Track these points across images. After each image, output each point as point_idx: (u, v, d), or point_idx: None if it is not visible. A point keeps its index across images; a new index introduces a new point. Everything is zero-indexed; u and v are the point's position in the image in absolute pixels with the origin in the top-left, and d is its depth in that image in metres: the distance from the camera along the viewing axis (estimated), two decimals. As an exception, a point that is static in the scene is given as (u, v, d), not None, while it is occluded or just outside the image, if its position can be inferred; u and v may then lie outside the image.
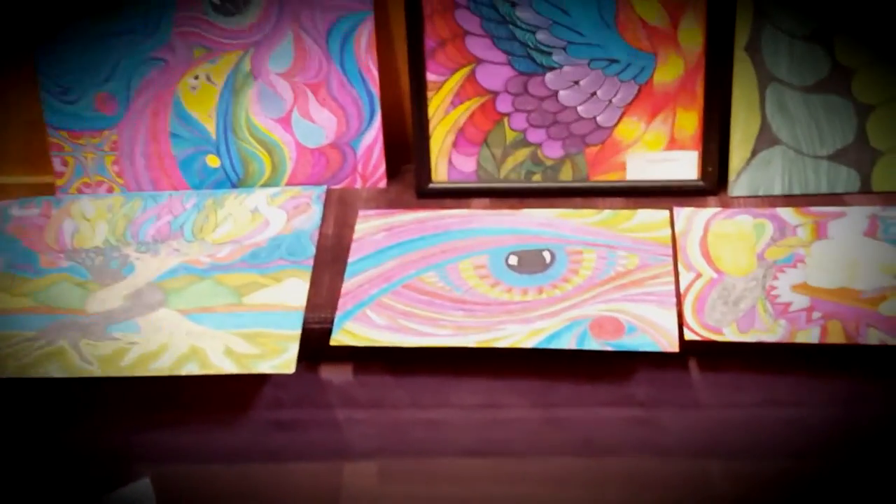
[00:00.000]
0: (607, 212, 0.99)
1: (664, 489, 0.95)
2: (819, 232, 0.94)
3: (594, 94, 0.98)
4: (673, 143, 0.99)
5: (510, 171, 1.01)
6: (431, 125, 1.00)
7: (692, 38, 0.95)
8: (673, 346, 0.85)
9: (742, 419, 0.92)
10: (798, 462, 0.93)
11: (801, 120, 0.96)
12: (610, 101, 0.98)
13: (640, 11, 0.95)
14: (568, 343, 0.86)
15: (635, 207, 0.99)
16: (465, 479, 0.95)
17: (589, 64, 0.97)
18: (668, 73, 0.97)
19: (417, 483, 0.95)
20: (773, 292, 0.89)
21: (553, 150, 1.00)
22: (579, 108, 0.99)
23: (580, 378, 0.91)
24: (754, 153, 0.98)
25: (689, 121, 0.98)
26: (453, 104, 0.99)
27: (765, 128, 0.96)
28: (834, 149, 0.97)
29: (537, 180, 1.02)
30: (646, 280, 0.91)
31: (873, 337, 0.84)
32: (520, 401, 0.94)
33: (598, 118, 0.99)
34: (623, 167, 1.00)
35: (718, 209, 0.98)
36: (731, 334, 0.85)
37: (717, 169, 0.99)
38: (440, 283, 0.92)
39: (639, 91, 0.98)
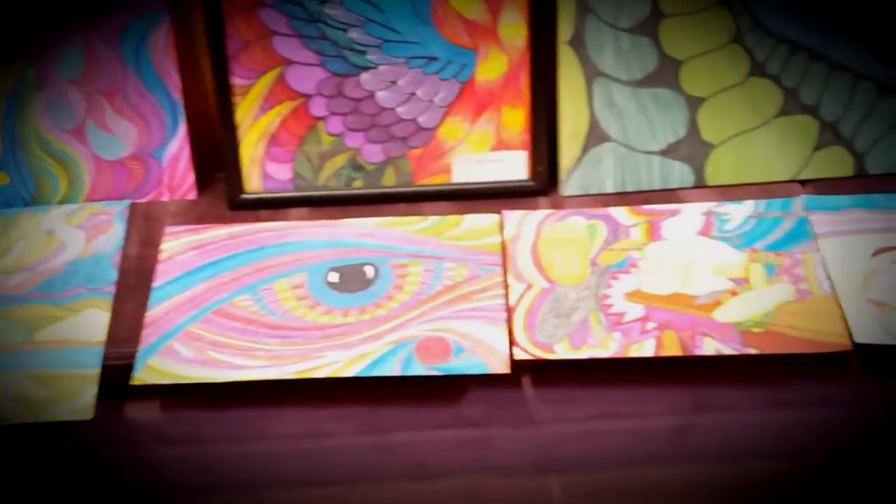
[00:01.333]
0: (433, 218, 0.93)
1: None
2: (653, 232, 0.90)
3: (414, 94, 0.92)
4: (500, 143, 0.93)
5: (329, 177, 0.94)
6: (241, 132, 0.92)
7: (514, 33, 0.90)
8: (503, 366, 0.80)
9: (580, 433, 0.88)
10: (638, 471, 0.89)
11: (631, 115, 0.91)
12: (431, 101, 0.92)
13: (457, 6, 0.89)
14: (392, 369, 0.80)
15: (464, 212, 0.93)
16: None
17: (406, 62, 0.91)
18: (490, 69, 0.91)
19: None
20: (607, 301, 0.84)
21: (373, 155, 0.94)
22: (399, 110, 0.92)
23: (409, 401, 0.86)
24: (584, 151, 0.93)
25: (516, 119, 0.92)
26: (263, 109, 0.92)
27: (594, 124, 0.92)
28: (666, 143, 0.93)
29: (358, 187, 0.95)
30: (474, 294, 0.85)
31: (709, 347, 0.80)
32: (348, 427, 0.88)
33: (419, 119, 0.93)
34: (449, 170, 0.94)
35: (550, 211, 0.93)
36: (562, 351, 0.81)
37: (548, 168, 0.94)
38: (254, 307, 0.85)
39: (461, 89, 0.92)
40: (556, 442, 0.88)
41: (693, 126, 0.92)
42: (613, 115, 0.91)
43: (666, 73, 0.90)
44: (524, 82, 0.91)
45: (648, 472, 0.88)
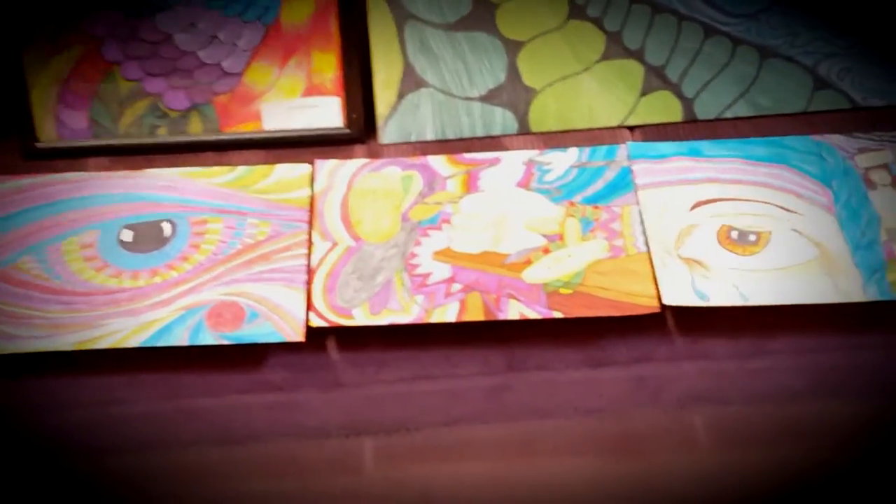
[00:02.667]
0: (242, 169, 0.87)
1: (314, 472, 0.87)
2: (470, 184, 0.86)
3: (215, 37, 0.85)
4: (312, 89, 0.88)
5: (130, 126, 0.88)
6: (30, 78, 0.85)
7: (319, -28, 0.84)
8: (298, 334, 0.76)
9: (390, 394, 0.84)
10: (453, 430, 0.87)
11: (447, 60, 0.86)
12: (234, 45, 0.86)
13: (255, -57, 0.82)
14: (180, 338, 0.75)
15: (278, 161, 0.88)
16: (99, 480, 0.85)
17: (205, 3, 0.84)
18: (296, 12, 0.85)
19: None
20: (414, 261, 0.80)
21: (177, 101, 0.88)
22: (200, 54, 0.86)
23: (208, 366, 0.81)
24: (400, 97, 0.88)
25: (327, 64, 0.87)
26: (50, 53, 0.85)
27: (408, 70, 0.87)
28: (486, 89, 0.88)
29: (162, 135, 0.89)
30: (275, 254, 0.81)
31: (513, 310, 0.77)
32: (148, 394, 0.83)
33: (223, 64, 0.87)
34: (259, 117, 0.89)
35: (366, 160, 0.88)
36: (361, 317, 0.77)
37: (363, 115, 0.89)
38: (37, 270, 0.80)
39: (266, 32, 0.86)
40: (366, 404, 0.85)
41: (513, 71, 0.87)
42: (428, 59, 0.86)
43: (481, 16, 0.85)
44: (333, 26, 0.85)
45: (464, 430, 0.85)
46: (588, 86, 0.88)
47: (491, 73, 0.87)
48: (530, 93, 0.88)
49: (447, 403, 0.85)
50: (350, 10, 0.84)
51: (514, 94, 0.88)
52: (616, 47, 0.86)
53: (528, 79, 0.87)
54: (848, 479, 0.81)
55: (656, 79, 0.88)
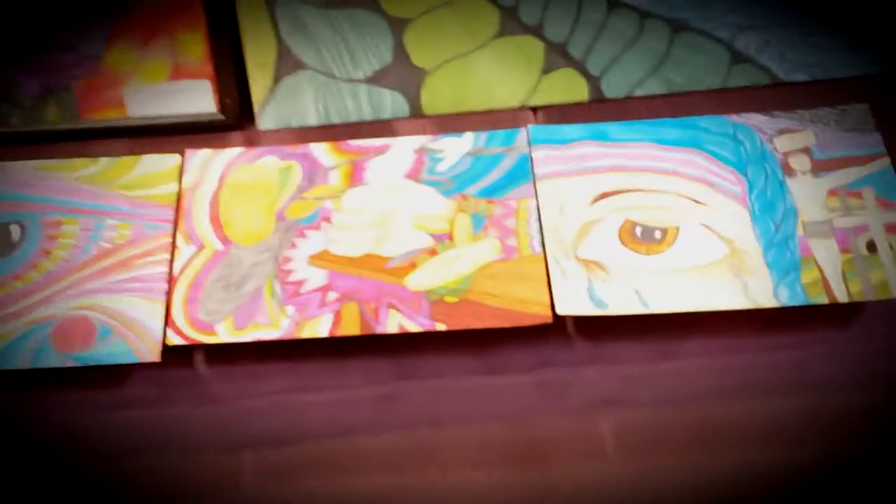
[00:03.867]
0: (105, 161, 0.79)
1: (190, 490, 0.81)
2: (354, 176, 0.78)
3: (69, 16, 0.77)
4: (179, 72, 0.80)
5: (-22, 115, 0.80)
6: None
7: (177, -55, 0.75)
8: (154, 354, 0.68)
9: (269, 407, 0.78)
10: (340, 441, 0.80)
11: (326, 40, 0.78)
12: (90, 24, 0.77)
13: (100, -86, 0.73)
14: (21, 360, 0.68)
15: (147, 151, 0.80)
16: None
17: (52, -20, 0.76)
18: (154, -12, 0.76)
19: None
20: (287, 266, 0.73)
21: (29, 87, 0.79)
22: (53, 35, 0.77)
23: (67, 383, 0.74)
24: (277, 80, 0.80)
25: (194, 44, 0.79)
26: None
27: (283, 51, 0.78)
28: (372, 70, 0.80)
29: (16, 124, 0.81)
30: (135, 260, 0.73)
31: (392, 323, 0.70)
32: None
33: (79, 46, 0.78)
34: (122, 103, 0.80)
35: (242, 150, 0.80)
36: (224, 332, 0.70)
37: (239, 100, 0.81)
38: None
39: (123, 10, 0.77)
40: (242, 418, 0.78)
41: (401, 50, 0.79)
42: (305, 39, 0.78)
43: (360, -8, 0.77)
44: (198, 4, 0.77)
45: (351, 442, 0.79)
46: (484, 65, 0.80)
47: (376, 54, 0.79)
48: (421, 73, 0.80)
49: (331, 414, 0.79)
50: (215, -13, 0.76)
51: (403, 76, 0.80)
52: (512, 23, 0.78)
53: (418, 59, 0.79)
54: (763, 482, 0.76)
55: (558, 56, 0.80)
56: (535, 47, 0.80)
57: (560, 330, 0.75)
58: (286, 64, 0.79)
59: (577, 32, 0.79)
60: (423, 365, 0.76)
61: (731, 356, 0.77)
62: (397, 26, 0.78)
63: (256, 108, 0.81)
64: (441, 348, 0.75)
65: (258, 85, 0.80)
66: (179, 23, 0.78)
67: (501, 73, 0.81)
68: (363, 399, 0.78)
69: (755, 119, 0.80)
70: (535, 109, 0.83)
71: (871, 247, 0.72)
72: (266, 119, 0.81)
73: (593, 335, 0.75)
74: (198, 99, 0.80)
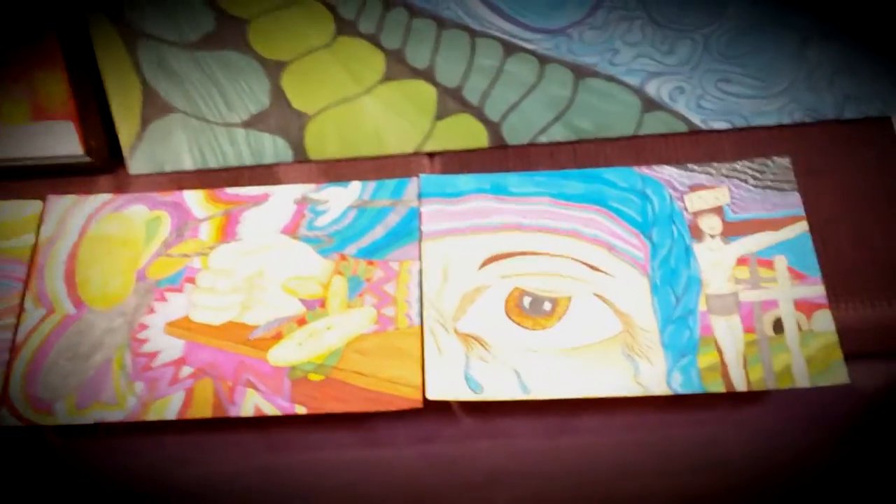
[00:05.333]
0: (-40, 208, 0.73)
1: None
2: (227, 229, 0.72)
3: (-88, 53, 0.70)
4: (40, 113, 0.73)
5: None
6: None
7: (27, -19, 0.68)
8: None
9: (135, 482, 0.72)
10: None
11: (196, 83, 0.72)
12: (-62, 63, 0.71)
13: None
14: None
15: (8, 197, 0.74)
16: None
17: None
18: (4, 25, 0.70)
19: None
20: (142, 335, 0.67)
21: None
22: None
23: None
24: (145, 123, 0.73)
25: (54, 85, 0.72)
26: None
27: (149, 93, 0.72)
28: (248, 114, 0.74)
29: None
30: (-23, 324, 0.67)
31: (248, 405, 0.64)
32: None
33: (-73, 84, 0.72)
34: (-21, 144, 0.74)
35: (109, 196, 0.74)
36: (63, 413, 0.64)
37: (107, 142, 0.74)
38: None
39: (-27, 49, 0.71)
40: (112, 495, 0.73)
41: (279, 94, 0.73)
42: (172, 82, 0.72)
43: (229, 34, 0.70)
44: (53, 42, 0.70)
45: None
46: (371, 110, 0.73)
47: (251, 97, 0.72)
48: (303, 117, 0.74)
49: (198, 492, 0.73)
50: (67, 29, 0.69)
51: (283, 120, 0.73)
52: (399, 67, 0.72)
53: (298, 102, 0.73)
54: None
55: (453, 101, 0.74)
56: (427, 92, 0.73)
57: (444, 403, 0.69)
58: (153, 107, 0.72)
59: (472, 77, 0.72)
60: (294, 439, 0.71)
61: (631, 433, 0.72)
62: (273, 69, 0.72)
63: (125, 151, 0.75)
64: (314, 420, 0.69)
65: (125, 128, 0.73)
66: (36, 61, 0.71)
67: (391, 119, 0.74)
68: (231, 474, 0.73)
69: (667, 172, 0.73)
70: (432, 155, 0.77)
71: (778, 326, 0.66)
72: (137, 163, 0.75)
73: (481, 408, 0.69)
74: (62, 140, 0.74)
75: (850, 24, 0.71)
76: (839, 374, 0.64)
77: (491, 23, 0.70)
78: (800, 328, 0.66)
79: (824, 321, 0.66)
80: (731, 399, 0.68)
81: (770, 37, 0.71)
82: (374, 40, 0.71)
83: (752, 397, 0.68)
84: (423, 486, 0.75)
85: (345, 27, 0.70)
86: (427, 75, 0.73)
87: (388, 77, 0.72)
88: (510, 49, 0.72)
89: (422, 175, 0.74)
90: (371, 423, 0.70)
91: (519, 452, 0.73)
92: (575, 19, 0.70)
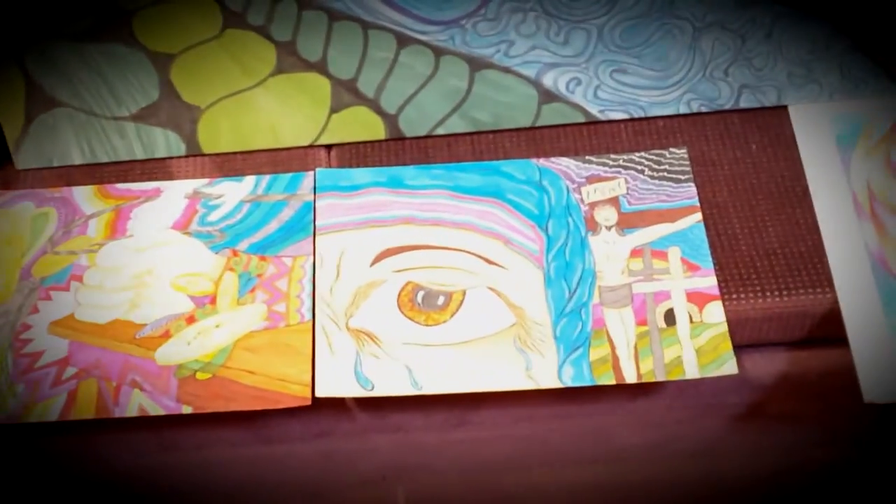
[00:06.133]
0: None
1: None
2: (117, 225, 0.71)
3: None
4: (-82, 106, 0.71)
5: None
6: None
7: None
8: None
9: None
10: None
11: (82, 76, 0.70)
12: None
13: None
14: None
15: None
16: None
17: None
18: None
19: None
20: (26, 335, 0.65)
21: None
22: None
23: None
24: (30, 117, 0.72)
25: (-67, 77, 0.70)
26: None
27: (33, 87, 0.70)
28: (137, 108, 0.72)
29: None
30: None
31: (133, 406, 0.62)
32: None
33: None
34: None
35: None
36: (-59, 415, 0.62)
37: (-7, 136, 0.73)
38: None
39: None
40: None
41: (168, 87, 0.71)
42: (57, 76, 0.70)
43: (113, 26, 0.69)
44: (-70, 33, 0.68)
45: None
46: (265, 103, 0.72)
47: (140, 90, 0.71)
48: (194, 111, 0.72)
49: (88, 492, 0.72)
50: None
51: (174, 113, 0.72)
52: (291, 59, 0.71)
53: (189, 96, 0.71)
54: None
55: (348, 93, 0.73)
56: (321, 84, 0.72)
57: (339, 398, 0.68)
58: (38, 101, 0.71)
59: (366, 69, 0.71)
60: (185, 436, 0.69)
61: (525, 425, 0.72)
62: (161, 62, 0.70)
63: (11, 147, 0.73)
64: (206, 418, 0.68)
65: (9, 123, 0.72)
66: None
67: (286, 111, 0.73)
68: (121, 473, 0.71)
69: (565, 163, 0.73)
70: (329, 148, 0.76)
71: (670, 318, 0.66)
72: (23, 158, 0.73)
73: (377, 403, 0.68)
74: (-57, 135, 0.72)
75: (743, 15, 0.71)
76: (728, 366, 0.64)
77: (383, 14, 0.70)
78: (691, 320, 0.66)
79: (716, 313, 0.66)
80: (626, 391, 0.68)
81: (664, 28, 0.71)
82: (263, 32, 0.70)
83: (646, 389, 0.68)
84: (320, 482, 0.74)
85: (233, 19, 0.69)
86: (320, 68, 0.72)
87: (280, 69, 0.71)
88: (404, 41, 0.71)
89: (317, 169, 0.73)
90: (264, 420, 0.69)
91: (415, 447, 0.72)
92: (467, 11, 0.70)
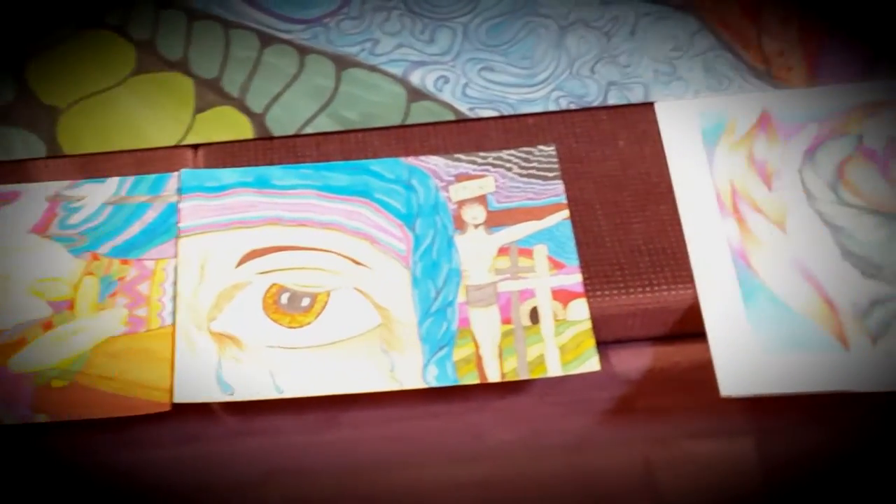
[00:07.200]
0: None
1: None
2: (-25, 230, 0.68)
3: None
4: None
5: None
6: None
7: None
8: None
9: None
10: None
11: (-68, 76, 0.68)
12: None
13: None
14: None
15: None
16: None
17: None
18: None
19: None
20: None
21: None
22: None
23: None
24: None
25: None
26: None
27: None
28: (-8, 108, 0.70)
29: None
30: None
31: (-7, 414, 0.61)
32: None
33: None
34: None
35: None
36: None
37: None
38: None
39: None
40: None
41: (24, 87, 0.69)
42: None
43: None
44: None
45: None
46: (126, 103, 0.71)
47: (-5, 89, 0.69)
48: (53, 112, 0.71)
49: None
50: None
51: (31, 114, 0.70)
52: (152, 58, 0.70)
53: (46, 96, 0.70)
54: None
55: (212, 93, 0.72)
56: (183, 84, 0.71)
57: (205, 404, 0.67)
58: None
59: (230, 68, 0.70)
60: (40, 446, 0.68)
61: (396, 425, 0.71)
62: (14, 62, 0.68)
63: None
64: (65, 426, 0.66)
65: None
66: None
67: (149, 112, 0.72)
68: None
69: (434, 162, 0.73)
70: (196, 148, 0.75)
71: (535, 316, 0.66)
72: None
73: (246, 407, 0.67)
74: None
75: (607, 13, 0.71)
76: (591, 363, 0.64)
77: (244, 13, 0.69)
78: (556, 317, 0.66)
79: (580, 310, 0.66)
80: (496, 389, 0.68)
81: (529, 26, 0.71)
82: (121, 32, 0.68)
83: (515, 386, 0.68)
84: (192, 488, 0.73)
85: (89, 19, 0.67)
86: (182, 67, 0.71)
87: (140, 69, 0.70)
88: (267, 40, 0.70)
89: (182, 170, 0.72)
90: (129, 426, 0.67)
91: (287, 449, 0.71)
92: (330, 9, 0.69)
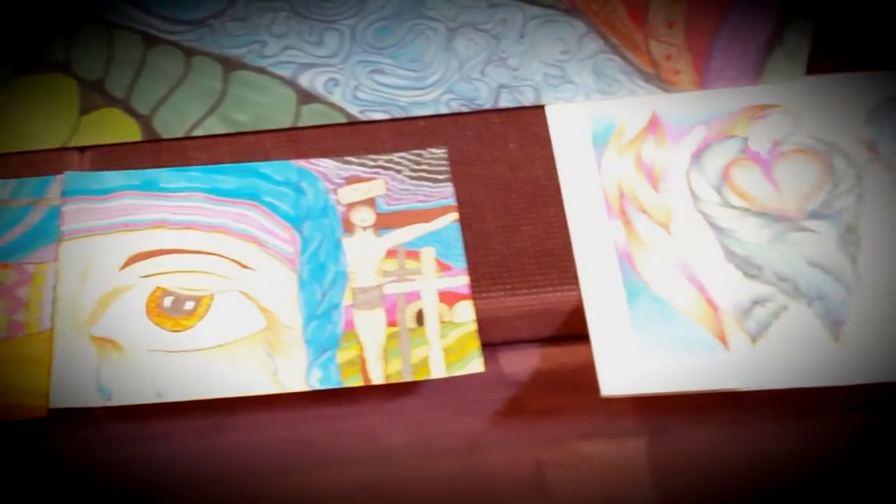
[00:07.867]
0: None
1: None
2: None
3: None
4: None
5: None
6: None
7: None
8: None
9: None
10: None
11: None
12: None
13: None
14: None
15: None
16: None
17: None
18: None
19: None
20: None
21: None
22: None
23: None
24: None
25: None
26: None
27: None
28: None
29: None
30: None
31: None
32: None
33: None
34: None
35: None
36: None
37: None
38: None
39: None
40: None
41: None
42: None
43: None
44: None
45: None
46: (8, 105, 0.70)
47: None
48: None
49: None
50: None
51: None
52: (33, 60, 0.68)
53: None
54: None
55: (97, 95, 0.71)
56: (67, 85, 0.70)
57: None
58: None
59: (114, 70, 0.70)
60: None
61: (288, 428, 0.71)
62: None
63: None
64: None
65: None
66: None
67: (32, 114, 0.71)
68: None
69: (324, 164, 0.73)
70: (82, 151, 0.74)
71: (420, 318, 0.66)
72: None
73: (131, 412, 0.66)
74: None
75: (495, 15, 0.72)
76: (474, 364, 0.64)
77: (127, 14, 0.68)
78: (441, 319, 0.66)
79: (465, 312, 0.66)
80: (386, 391, 0.68)
81: (416, 28, 0.72)
82: (0, 32, 0.67)
83: (406, 388, 0.68)
84: (74, 494, 0.72)
85: (-35, 18, 0.66)
86: (64, 68, 0.70)
87: (21, 71, 0.69)
88: (151, 41, 0.69)
89: (66, 172, 0.71)
90: (8, 432, 0.66)
91: (180, 455, 0.71)
92: (214, 10, 0.68)
